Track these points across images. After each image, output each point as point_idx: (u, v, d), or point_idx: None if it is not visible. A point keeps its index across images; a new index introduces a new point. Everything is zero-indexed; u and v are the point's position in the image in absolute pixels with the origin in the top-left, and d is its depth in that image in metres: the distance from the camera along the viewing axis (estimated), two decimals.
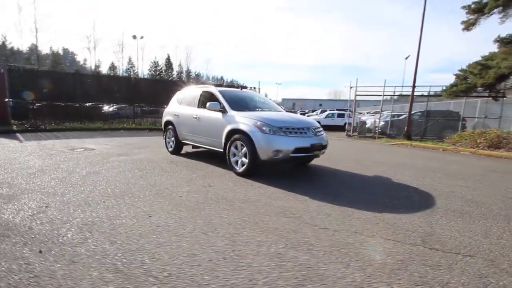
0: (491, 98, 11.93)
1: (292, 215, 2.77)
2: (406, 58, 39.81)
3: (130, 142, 8.39)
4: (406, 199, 3.49)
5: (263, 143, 3.97)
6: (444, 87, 12.46)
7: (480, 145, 8.31)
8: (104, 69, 62.92)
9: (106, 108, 15.99)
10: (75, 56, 70.82)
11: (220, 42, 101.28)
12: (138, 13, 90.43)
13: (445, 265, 1.95)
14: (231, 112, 4.63)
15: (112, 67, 62.48)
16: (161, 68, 70.94)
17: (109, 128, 12.69)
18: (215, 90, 5.21)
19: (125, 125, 13.99)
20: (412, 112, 13.86)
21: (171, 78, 66.67)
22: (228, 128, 4.50)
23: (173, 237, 2.25)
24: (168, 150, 6.41)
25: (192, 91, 5.98)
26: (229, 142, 4.47)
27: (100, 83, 16.29)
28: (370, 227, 2.55)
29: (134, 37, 34.93)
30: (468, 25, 10.22)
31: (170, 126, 6.29)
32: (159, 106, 16.66)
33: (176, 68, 72.75)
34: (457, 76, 11.97)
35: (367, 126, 16.88)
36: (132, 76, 51.12)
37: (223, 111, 4.71)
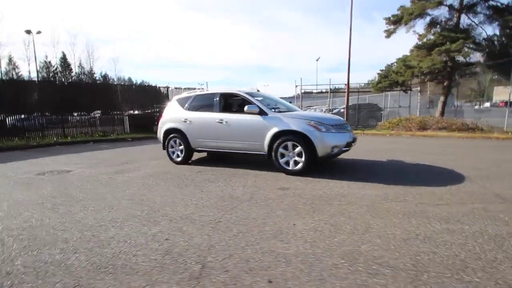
0: (402, 91, 15.31)
1: (399, 200, 3.15)
2: (317, 60, 45.62)
3: (99, 157, 7.03)
4: (442, 174, 4.35)
5: (322, 141, 4.19)
6: (371, 83, 15.21)
7: (412, 129, 10.68)
8: None
9: None
10: None
11: (126, 40, 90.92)
12: (20, 3, 71.89)
13: None
14: (272, 114, 4.63)
15: None
16: (56, 69, 59.11)
17: (38, 144, 10.06)
18: (243, 93, 5.05)
19: (55, 139, 11.34)
20: (344, 106, 16.31)
21: (69, 79, 56.28)
22: (274, 130, 4.49)
23: (353, 237, 2.29)
24: (174, 160, 5.76)
25: (204, 95, 5.58)
26: (275, 144, 4.49)
27: None
28: (460, 197, 3.18)
29: (29, 32, 27.57)
30: (389, 33, 12.83)
31: (175, 134, 5.67)
32: (65, 114, 13.60)
33: (75, 69, 61.81)
34: (380, 74, 14.83)
35: None
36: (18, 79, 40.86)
37: (262, 113, 4.66)
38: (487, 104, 45.33)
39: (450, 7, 12.40)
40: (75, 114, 15.91)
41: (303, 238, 2.29)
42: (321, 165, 5.09)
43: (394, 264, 1.88)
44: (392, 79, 13.47)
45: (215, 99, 5.27)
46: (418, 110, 15.53)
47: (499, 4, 11.15)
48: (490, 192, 3.33)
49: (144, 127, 14.07)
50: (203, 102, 5.45)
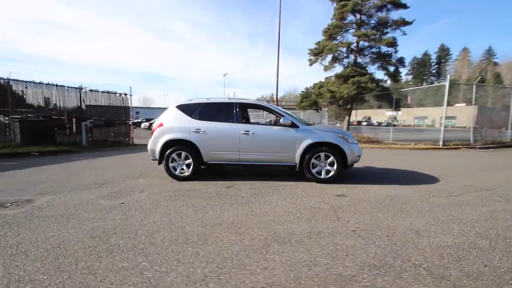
0: (315, 110, 18.37)
1: (432, 196, 4.06)
2: (224, 75, 47.52)
3: (41, 179, 5.05)
4: (419, 175, 5.69)
5: (352, 151, 4.77)
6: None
7: None
8: None
9: None
10: None
11: None
12: None
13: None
14: (303, 127, 4.85)
15: None
16: None
17: None
18: (267, 104, 5.02)
19: None
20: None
21: None
22: (307, 141, 4.71)
23: (459, 224, 2.91)
24: (177, 176, 4.94)
25: (219, 104, 5.12)
26: (308, 155, 4.73)
27: None
28: (457, 189, 4.41)
29: None
30: (312, 62, 15.32)
31: (179, 146, 4.91)
32: None
33: None
34: (301, 95, 17.26)
35: None
36: None
37: (294, 126, 4.81)
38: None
39: (350, 48, 16.14)
40: None
41: (436, 231, 2.73)
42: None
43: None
44: (311, 99, 16.03)
45: (235, 109, 4.98)
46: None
47: (380, 51, 15.53)
48: (465, 185, 4.79)
49: (45, 137, 10.72)
50: (219, 112, 5.02)
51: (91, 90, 12.53)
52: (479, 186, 4.65)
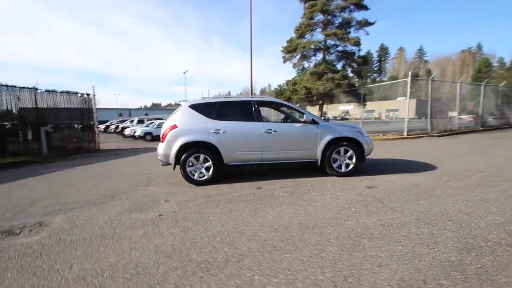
0: None
1: (446, 181, 4.50)
2: (185, 73, 45.67)
3: (34, 197, 4.27)
4: (418, 164, 6.27)
5: (367, 144, 5.02)
6: None
7: None
8: None
9: None
10: None
11: None
12: None
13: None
14: (322, 123, 4.94)
15: None
16: None
17: None
18: (285, 102, 4.99)
19: None
20: None
21: None
22: (328, 137, 4.82)
23: (500, 200, 3.29)
24: (195, 181, 4.63)
25: (235, 102, 4.92)
26: (329, 150, 4.84)
27: None
28: (459, 174, 4.97)
29: None
30: (285, 60, 15.66)
31: (198, 149, 4.61)
32: None
33: None
34: (275, 92, 17.50)
35: None
36: None
37: (315, 122, 4.86)
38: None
39: (318, 46, 16.88)
40: None
41: (481, 212, 3.04)
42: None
43: None
44: (286, 96, 16.40)
45: (253, 107, 4.84)
46: None
47: (346, 49, 16.58)
48: (460, 169, 5.41)
49: None
50: (237, 110, 4.83)
51: (47, 91, 10.93)
52: (472, 169, 5.29)
